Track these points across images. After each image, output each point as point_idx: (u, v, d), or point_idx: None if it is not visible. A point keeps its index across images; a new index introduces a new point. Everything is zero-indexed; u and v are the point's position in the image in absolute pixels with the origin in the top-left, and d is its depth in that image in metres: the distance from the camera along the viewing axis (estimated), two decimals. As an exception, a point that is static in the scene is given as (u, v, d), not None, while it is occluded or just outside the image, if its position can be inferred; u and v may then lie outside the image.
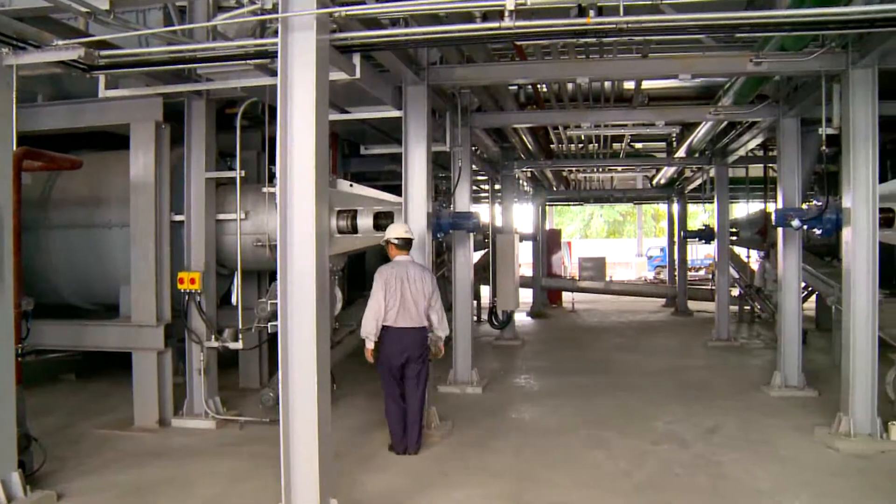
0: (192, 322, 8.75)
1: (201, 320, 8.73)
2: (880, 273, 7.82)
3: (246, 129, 9.04)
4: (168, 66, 7.09)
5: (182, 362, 9.14)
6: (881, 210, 7.84)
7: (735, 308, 18.97)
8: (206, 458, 7.61)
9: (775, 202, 11.71)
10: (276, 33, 5.50)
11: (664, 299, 24.28)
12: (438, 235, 9.63)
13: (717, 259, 16.84)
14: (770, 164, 16.48)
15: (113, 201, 9.29)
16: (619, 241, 58.62)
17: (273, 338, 6.42)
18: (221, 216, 9.06)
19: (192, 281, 8.55)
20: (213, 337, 8.73)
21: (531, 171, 19.51)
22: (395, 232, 7.76)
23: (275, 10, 5.43)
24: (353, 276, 13.57)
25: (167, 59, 6.70)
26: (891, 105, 9.69)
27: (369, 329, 7.54)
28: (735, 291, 19.60)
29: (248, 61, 6.39)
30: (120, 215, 9.11)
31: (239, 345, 8.82)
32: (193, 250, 8.78)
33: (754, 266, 19.00)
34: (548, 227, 29.52)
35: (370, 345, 7.60)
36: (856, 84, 7.79)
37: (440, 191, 15.11)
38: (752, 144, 14.11)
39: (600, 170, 21.56)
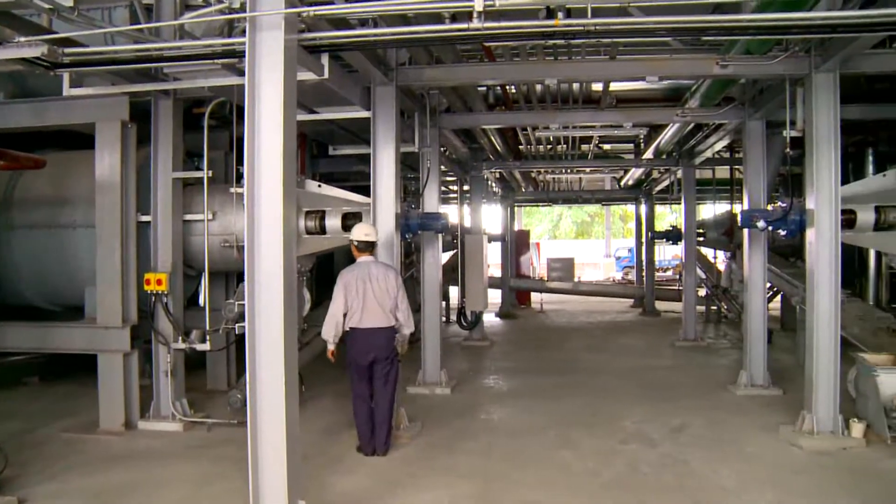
0: (159, 323, 8.67)
1: (168, 321, 8.65)
2: (842, 273, 7.96)
3: (213, 128, 8.97)
4: (134, 65, 7.01)
5: (149, 364, 9.04)
6: (843, 211, 7.96)
7: (702, 308, 19.15)
8: (173, 461, 7.54)
9: (741, 203, 11.85)
10: (243, 32, 5.47)
11: (632, 300, 24.40)
12: (407, 236, 9.61)
13: (684, 260, 17.01)
14: (736, 166, 16.67)
15: (78, 201, 9.18)
16: (587, 242, 58.90)
17: (241, 339, 6.37)
18: (189, 216, 8.99)
19: (159, 282, 8.47)
20: (180, 338, 8.66)
21: (500, 172, 19.54)
22: (355, 234, 7.76)
23: (242, 9, 5.40)
24: (321, 276, 13.52)
25: (133, 57, 6.62)
26: (852, 109, 9.91)
27: (328, 333, 7.61)
28: (702, 292, 19.81)
29: (215, 60, 6.35)
30: (85, 215, 9.00)
31: (206, 346, 8.76)
32: (160, 251, 8.69)
33: (721, 267, 19.18)
34: (516, 227, 29.65)
35: (331, 347, 7.69)
36: (818, 88, 7.92)
37: (409, 191, 15.12)
38: (719, 146, 14.27)
39: (569, 171, 21.65)
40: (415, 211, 9.77)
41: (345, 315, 7.59)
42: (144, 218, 8.74)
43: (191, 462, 7.49)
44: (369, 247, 7.78)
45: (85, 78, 7.64)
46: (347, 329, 7.62)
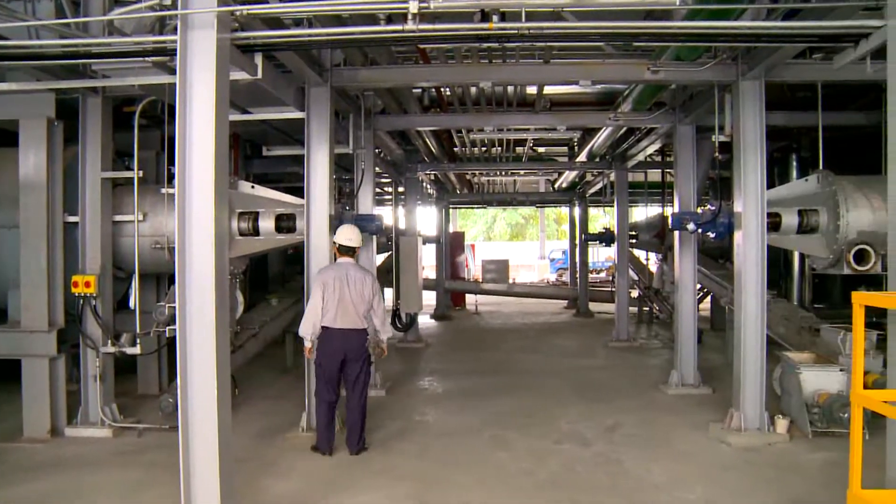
0: (87, 327, 8.47)
1: (97, 325, 8.45)
2: (768, 275, 8.20)
3: (144, 128, 8.81)
4: (61, 61, 6.81)
5: (76, 368, 8.81)
6: (769, 215, 8.22)
7: (634, 309, 19.48)
8: (101, 468, 7.36)
9: (672, 206, 12.09)
10: (175, 30, 5.38)
11: (566, 301, 24.56)
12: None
13: (617, 261, 17.27)
14: (667, 170, 16.96)
15: (1, 201, 8.87)
16: (521, 244, 59.42)
17: (172, 342, 6.27)
18: (118, 217, 8.79)
19: (87, 284, 8.27)
20: (109, 342, 8.48)
21: (435, 174, 19.56)
22: (338, 237, 7.93)
23: (174, 6, 5.34)
24: (254, 278, 13.36)
25: (60, 53, 6.45)
26: (777, 115, 10.23)
27: (306, 330, 7.65)
28: (634, 293, 20.14)
29: (146, 58, 6.23)
30: (7, 216, 8.72)
31: (137, 350, 8.60)
32: (89, 252, 8.48)
33: (653, 268, 19.53)
34: (451, 229, 29.70)
35: (307, 344, 7.72)
36: (745, 94, 8.16)
37: (343, 193, 15.04)
38: (651, 150, 14.52)
39: (503, 173, 21.77)
40: (349, 212, 9.73)
41: None
42: (72, 218, 8.51)
43: (121, 469, 7.32)
44: (350, 250, 7.88)
45: (7, 73, 7.42)
46: (319, 329, 7.64)
